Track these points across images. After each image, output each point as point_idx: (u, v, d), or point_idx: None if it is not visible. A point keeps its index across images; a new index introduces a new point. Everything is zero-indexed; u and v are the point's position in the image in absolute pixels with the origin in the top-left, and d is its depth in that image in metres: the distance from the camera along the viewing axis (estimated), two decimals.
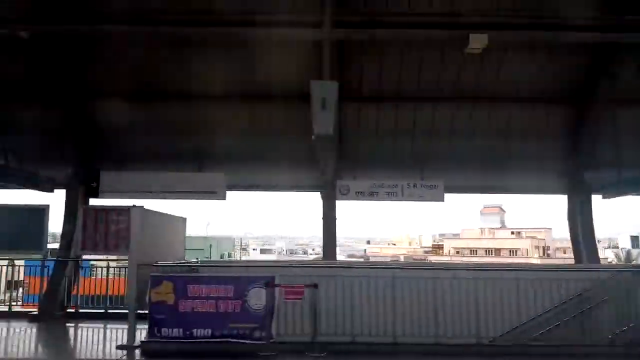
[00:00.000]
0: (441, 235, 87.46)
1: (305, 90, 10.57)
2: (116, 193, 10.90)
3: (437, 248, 78.55)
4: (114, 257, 11.10)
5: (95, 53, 10.46)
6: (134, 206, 7.75)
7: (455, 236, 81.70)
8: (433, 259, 63.27)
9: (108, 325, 9.47)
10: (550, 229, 72.50)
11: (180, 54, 10.45)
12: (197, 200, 11.12)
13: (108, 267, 10.60)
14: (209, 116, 11.06)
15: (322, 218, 11.17)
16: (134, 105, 10.91)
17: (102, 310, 10.22)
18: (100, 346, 8.11)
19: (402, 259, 60.57)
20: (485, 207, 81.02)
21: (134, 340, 7.35)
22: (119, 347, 7.35)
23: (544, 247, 68.67)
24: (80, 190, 10.91)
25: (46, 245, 10.53)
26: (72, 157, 10.85)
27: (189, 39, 10.11)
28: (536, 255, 64.60)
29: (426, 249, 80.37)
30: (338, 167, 10.96)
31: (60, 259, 10.56)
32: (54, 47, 10.03)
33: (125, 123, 11.00)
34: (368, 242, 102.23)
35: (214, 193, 10.96)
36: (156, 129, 11.07)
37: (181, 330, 7.12)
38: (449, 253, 72.17)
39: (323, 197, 11.28)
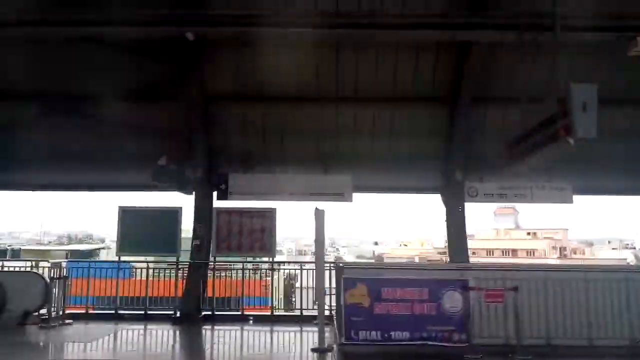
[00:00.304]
0: None
1: (434, 92, 10.84)
2: (244, 195, 10.85)
3: None
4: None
5: (223, 55, 10.45)
6: (316, 209, 7.72)
7: (469, 237, 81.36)
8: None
9: (250, 328, 9.48)
10: (566, 229, 72.43)
11: (306, 56, 10.44)
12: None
13: (243, 270, 10.56)
14: (334, 118, 11.05)
15: (446, 221, 11.19)
16: (260, 108, 10.97)
17: (238, 312, 10.22)
18: (291, 349, 8.16)
19: (416, 259, 60.53)
20: (499, 208, 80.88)
21: (324, 343, 7.34)
22: (313, 350, 7.35)
23: (560, 248, 68.68)
24: (209, 193, 10.86)
25: (180, 247, 10.50)
26: (202, 160, 10.77)
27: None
28: (555, 256, 64.63)
29: (439, 250, 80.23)
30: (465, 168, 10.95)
31: (196, 261, 10.48)
32: (185, 49, 10.02)
33: (253, 125, 11.02)
34: (376, 243, 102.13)
35: (341, 195, 10.95)
36: (281, 131, 11.07)
37: (379, 332, 7.13)
38: None
39: (445, 200, 11.29)
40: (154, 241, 10.44)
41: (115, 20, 8.29)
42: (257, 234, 10.57)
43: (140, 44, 9.76)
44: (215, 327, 9.47)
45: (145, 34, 8.74)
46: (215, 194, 10.97)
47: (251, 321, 10.00)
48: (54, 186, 11.69)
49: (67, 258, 26.21)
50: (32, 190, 12.12)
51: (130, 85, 10.33)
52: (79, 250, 35.13)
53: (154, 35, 8.95)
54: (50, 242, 68.36)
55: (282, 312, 10.33)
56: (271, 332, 9.19)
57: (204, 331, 9.18)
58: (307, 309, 10.33)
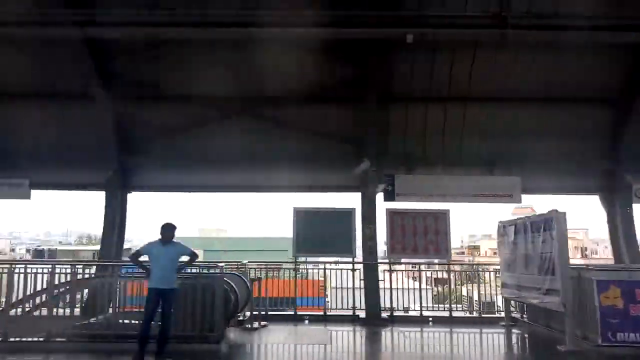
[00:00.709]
0: (471, 236, 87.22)
1: (602, 94, 10.88)
2: (410, 196, 10.85)
3: (473, 249, 78.41)
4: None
5: (388, 57, 10.43)
6: (555, 210, 7.72)
7: (485, 237, 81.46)
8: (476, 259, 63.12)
9: (432, 329, 9.50)
10: (587, 229, 72.27)
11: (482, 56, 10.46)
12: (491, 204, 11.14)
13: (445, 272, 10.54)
14: (500, 118, 11.08)
15: (609, 222, 11.23)
16: (425, 108, 10.98)
17: (417, 314, 10.22)
18: (531, 350, 8.28)
19: (435, 260, 60.42)
20: (516, 208, 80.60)
21: (574, 344, 7.33)
22: (567, 352, 7.33)
23: (582, 248, 68.57)
24: (374, 193, 10.82)
25: (355, 248, 10.48)
26: (372, 161, 10.69)
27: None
28: (578, 256, 64.47)
29: (457, 251, 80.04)
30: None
31: (368, 262, 10.45)
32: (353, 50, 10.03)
33: (416, 126, 11.03)
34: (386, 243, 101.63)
35: (510, 197, 10.97)
36: (445, 131, 11.07)
37: (638, 334, 7.14)
38: (486, 254, 72.06)
39: (605, 201, 11.34)
40: (329, 242, 10.40)
41: (335, 21, 8.27)
42: (431, 236, 10.54)
43: (323, 45, 9.73)
44: (404, 328, 9.33)
45: (368, 35, 8.68)
46: (381, 195, 10.98)
47: (430, 322, 9.99)
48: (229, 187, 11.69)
49: (94, 258, 26.17)
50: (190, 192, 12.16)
51: (308, 87, 10.34)
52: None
53: (361, 36, 8.90)
54: (60, 242, 68.33)
55: (461, 314, 10.30)
56: (451, 332, 9.18)
57: (402, 332, 9.04)
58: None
